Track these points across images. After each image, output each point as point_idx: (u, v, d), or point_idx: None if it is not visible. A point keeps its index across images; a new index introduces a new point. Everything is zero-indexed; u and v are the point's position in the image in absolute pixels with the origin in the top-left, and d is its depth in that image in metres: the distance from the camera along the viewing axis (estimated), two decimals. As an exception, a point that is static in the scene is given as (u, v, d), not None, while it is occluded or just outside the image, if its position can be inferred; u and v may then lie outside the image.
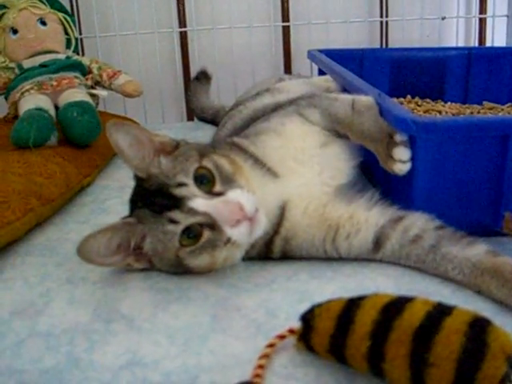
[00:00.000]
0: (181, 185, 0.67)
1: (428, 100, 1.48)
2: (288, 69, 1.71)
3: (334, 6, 1.61)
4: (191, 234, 0.67)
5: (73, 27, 1.46)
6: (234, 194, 0.68)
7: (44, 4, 1.42)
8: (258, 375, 0.51)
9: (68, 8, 1.56)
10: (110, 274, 0.72)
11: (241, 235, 0.67)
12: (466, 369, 0.45)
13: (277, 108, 0.90)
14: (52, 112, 1.18)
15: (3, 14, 1.39)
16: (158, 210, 0.68)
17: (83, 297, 0.68)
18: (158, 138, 0.73)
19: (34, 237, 0.86)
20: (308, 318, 0.54)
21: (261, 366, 0.53)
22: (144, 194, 0.70)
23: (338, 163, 0.81)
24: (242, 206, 0.66)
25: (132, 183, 0.75)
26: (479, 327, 0.47)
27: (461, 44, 1.76)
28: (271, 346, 0.55)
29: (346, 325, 0.51)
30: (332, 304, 0.54)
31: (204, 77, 1.56)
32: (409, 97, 1.48)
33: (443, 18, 1.63)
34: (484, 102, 1.49)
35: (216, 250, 0.68)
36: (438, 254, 0.69)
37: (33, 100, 1.20)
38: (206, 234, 0.67)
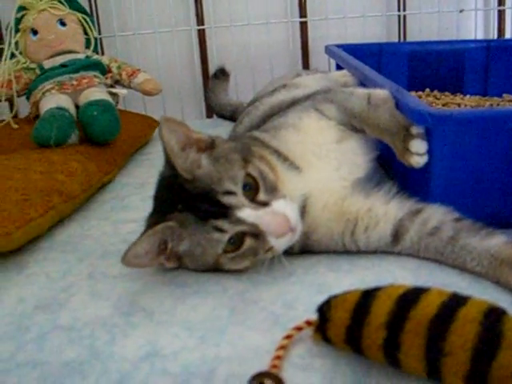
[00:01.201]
0: (229, 193, 0.67)
1: (447, 93, 1.47)
2: (306, 64, 1.71)
3: (351, 1, 1.60)
4: (232, 241, 0.67)
5: (92, 27, 1.48)
6: (279, 206, 0.68)
7: (63, 5, 1.44)
8: (275, 366, 0.52)
9: (87, 8, 1.59)
10: (130, 269, 0.73)
11: (284, 245, 0.69)
12: (481, 358, 0.45)
13: (293, 103, 0.91)
14: (72, 111, 1.20)
15: (23, 15, 1.41)
16: (203, 217, 0.67)
17: (104, 291, 0.69)
18: (194, 135, 0.72)
19: (56, 233, 0.88)
20: (324, 309, 0.54)
21: (278, 357, 0.53)
22: (186, 197, 0.69)
23: (354, 158, 0.81)
24: (288, 218, 0.67)
25: (151, 180, 0.76)
26: (494, 317, 0.47)
27: (480, 37, 1.74)
28: (289, 337, 0.56)
29: (361, 316, 0.51)
30: (348, 295, 0.54)
31: (222, 74, 1.57)
32: (427, 90, 1.48)
33: (461, 11, 1.61)
34: (504, 95, 1.47)
35: (257, 256, 0.69)
36: (456, 245, 0.69)
37: (53, 99, 1.22)
38: (248, 242, 0.68)
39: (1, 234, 0.73)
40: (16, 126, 1.30)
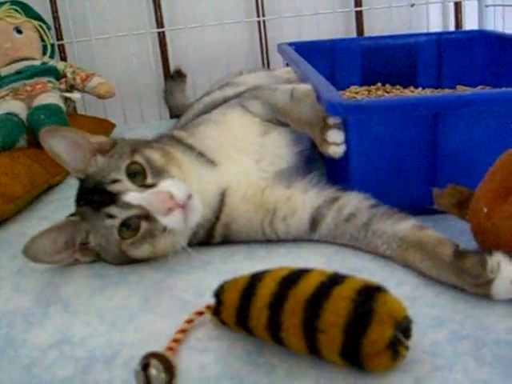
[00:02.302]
0: (114, 181, 0.71)
1: (398, 86, 1.49)
2: (265, 64, 1.73)
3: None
4: (130, 227, 0.70)
5: (48, 34, 1.51)
6: (164, 185, 0.71)
7: (19, 13, 1.47)
8: (171, 348, 0.55)
9: (48, 14, 1.61)
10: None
11: (175, 222, 0.70)
12: (352, 334, 0.48)
13: (224, 101, 0.93)
14: (24, 116, 1.22)
15: (-20, 25, 1.44)
16: (97, 207, 0.71)
17: (28, 285, 0.72)
18: (95, 139, 0.77)
19: (-5, 233, 0.90)
20: (219, 293, 0.57)
21: (176, 340, 0.56)
22: (84, 192, 0.75)
23: (277, 150, 0.84)
24: (173, 194, 0.69)
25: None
26: (367, 294, 0.49)
27: (438, 30, 1.77)
28: (189, 321, 0.59)
29: (248, 297, 0.54)
30: (238, 279, 0.57)
31: (179, 76, 1.60)
32: (378, 84, 1.50)
33: (412, 5, 1.64)
34: (457, 86, 1.50)
35: (155, 240, 0.71)
36: (369, 230, 0.72)
37: (6, 106, 1.24)
38: (144, 226, 0.70)
39: None
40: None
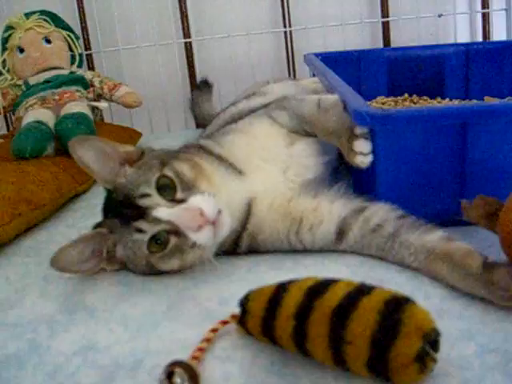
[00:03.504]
0: (144, 195, 0.71)
1: (425, 97, 1.48)
2: (291, 75, 1.74)
3: (331, 10, 1.63)
4: (159, 241, 0.70)
5: (76, 44, 1.53)
6: (194, 201, 0.70)
7: (48, 23, 1.50)
8: (195, 357, 0.54)
9: (77, 25, 1.64)
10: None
11: (205, 239, 0.70)
12: (379, 346, 0.47)
13: (251, 112, 0.93)
14: (51, 124, 1.24)
15: (10, 34, 1.47)
16: (126, 220, 0.71)
17: (54, 291, 0.72)
18: (123, 149, 0.77)
19: (23, 240, 0.91)
20: (244, 303, 0.57)
21: (201, 349, 0.55)
22: (113, 204, 0.74)
23: (304, 160, 0.83)
24: (203, 211, 0.69)
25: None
26: (395, 305, 0.48)
27: (465, 40, 1.76)
28: (214, 330, 0.58)
29: (274, 307, 0.53)
30: (264, 289, 0.56)
31: (205, 85, 1.61)
32: (406, 95, 1.49)
33: (440, 16, 1.63)
34: (485, 97, 1.48)
35: (184, 254, 0.71)
36: (396, 241, 0.71)
37: (34, 114, 1.27)
38: (173, 240, 0.70)
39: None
40: (1, 141, 1.34)
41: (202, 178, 0.75)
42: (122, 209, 0.72)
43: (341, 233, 0.75)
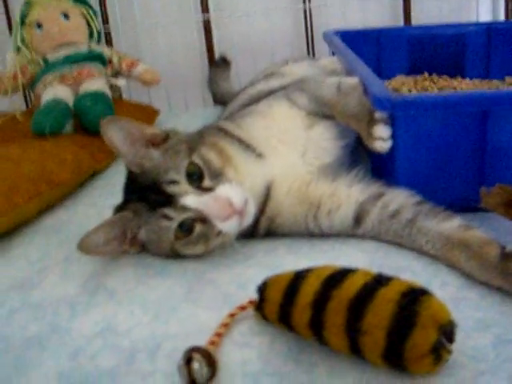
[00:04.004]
0: (173, 182, 0.71)
1: (445, 77, 1.46)
2: (310, 52, 1.71)
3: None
4: (184, 228, 0.71)
5: (94, 20, 1.52)
6: (223, 190, 0.71)
7: (67, -2, 1.49)
8: (213, 342, 0.55)
9: (96, 1, 1.63)
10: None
11: (231, 227, 0.70)
12: (395, 336, 0.47)
13: (270, 93, 0.93)
14: (70, 102, 1.25)
15: (28, 9, 1.47)
16: (153, 206, 0.71)
17: (75, 272, 0.74)
18: (150, 131, 0.77)
19: (43, 218, 0.93)
20: (262, 289, 0.57)
21: (219, 334, 0.57)
22: (138, 188, 0.74)
23: (323, 143, 0.83)
24: (231, 201, 0.69)
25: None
26: (412, 297, 0.49)
27: (487, 20, 1.72)
28: (232, 315, 0.59)
29: (292, 295, 0.54)
30: (282, 276, 0.57)
31: (223, 62, 1.59)
32: (426, 74, 1.47)
33: (463, -7, 1.59)
34: (506, 77, 1.45)
35: (209, 241, 0.72)
36: (414, 228, 0.71)
37: (53, 91, 1.27)
38: (198, 228, 0.71)
39: (-15, 221, 0.79)
40: (21, 119, 1.35)
41: (230, 166, 0.75)
42: (149, 193, 0.72)
43: (359, 218, 0.75)
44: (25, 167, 0.95)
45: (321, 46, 1.62)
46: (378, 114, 0.75)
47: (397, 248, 0.72)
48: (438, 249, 0.68)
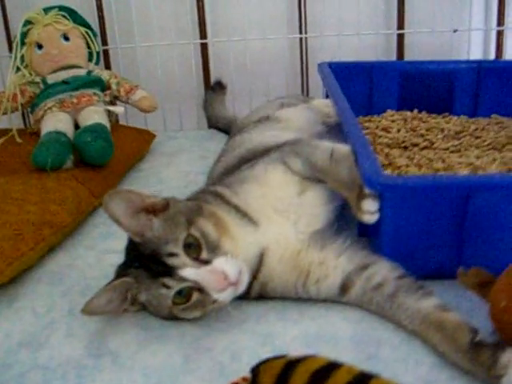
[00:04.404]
0: (172, 254, 0.75)
1: (434, 115, 1.52)
2: (304, 80, 1.76)
3: (348, 18, 1.64)
4: (182, 294, 0.76)
5: (94, 41, 1.55)
6: (219, 263, 0.76)
7: (67, 19, 1.52)
8: (210, 421, 0.61)
9: (94, 20, 1.66)
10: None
11: (226, 297, 0.76)
12: None
13: (266, 151, 0.98)
14: (70, 133, 1.29)
15: (29, 29, 1.49)
16: (153, 275, 0.76)
17: (79, 330, 0.79)
18: (149, 199, 0.81)
19: (45, 262, 0.97)
20: (255, 372, 0.63)
21: (215, 411, 0.63)
22: (139, 255, 0.78)
23: (314, 210, 0.88)
24: (227, 274, 0.75)
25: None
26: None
27: (478, 57, 1.77)
28: (227, 391, 0.65)
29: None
30: (274, 363, 0.62)
31: (219, 87, 1.64)
32: (415, 111, 1.53)
33: (455, 31, 1.64)
34: (493, 115, 1.52)
35: (205, 307, 0.77)
36: (394, 303, 0.77)
37: (53, 120, 1.31)
38: (195, 296, 0.76)
39: (-7, 272, 0.83)
40: (20, 141, 1.39)
41: (226, 237, 0.80)
42: (149, 263, 0.77)
43: (344, 288, 0.81)
44: (28, 210, 0.99)
45: (316, 75, 1.67)
46: (366, 189, 0.81)
47: (379, 319, 0.78)
48: (416, 326, 0.74)
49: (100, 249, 1.01)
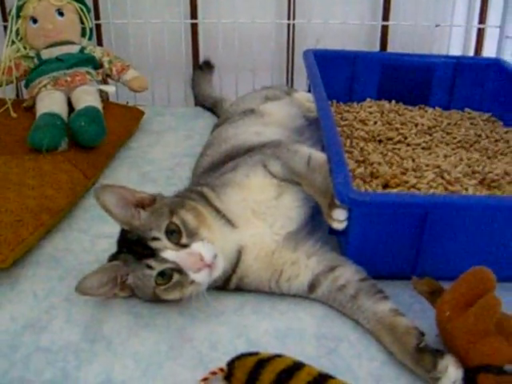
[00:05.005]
0: (155, 238, 0.86)
1: (410, 107, 1.60)
2: (289, 63, 1.82)
3: (337, 7, 1.70)
4: (164, 276, 0.86)
5: (88, 17, 1.58)
6: (196, 246, 0.86)
7: (62, -6, 1.54)
8: (190, 405, 0.73)
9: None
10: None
11: (202, 277, 0.86)
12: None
13: (249, 150, 1.06)
14: (64, 113, 1.35)
15: (24, 3, 1.52)
16: (138, 257, 0.87)
17: (76, 316, 0.89)
18: (139, 195, 0.91)
19: (43, 246, 1.06)
20: (231, 366, 0.74)
21: (195, 397, 0.74)
22: (128, 242, 0.89)
23: (289, 212, 0.98)
24: (202, 256, 0.85)
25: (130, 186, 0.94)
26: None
27: (457, 52, 1.85)
28: (205, 379, 0.76)
29: (253, 381, 0.71)
30: (248, 360, 0.73)
31: (207, 66, 1.69)
32: (393, 102, 1.62)
33: (437, 26, 1.70)
34: (466, 109, 1.61)
35: (183, 288, 0.87)
36: (355, 303, 0.88)
37: (48, 100, 1.36)
38: (175, 277, 0.86)
39: (-2, 259, 0.92)
40: (15, 115, 1.44)
41: (204, 227, 0.90)
42: (136, 247, 0.88)
43: (312, 286, 0.92)
44: (27, 195, 1.07)
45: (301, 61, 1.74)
46: (337, 201, 0.90)
47: (340, 316, 0.90)
48: (371, 326, 0.86)
49: (93, 232, 1.10)
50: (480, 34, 1.79)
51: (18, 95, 1.58)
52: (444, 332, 0.81)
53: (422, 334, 0.80)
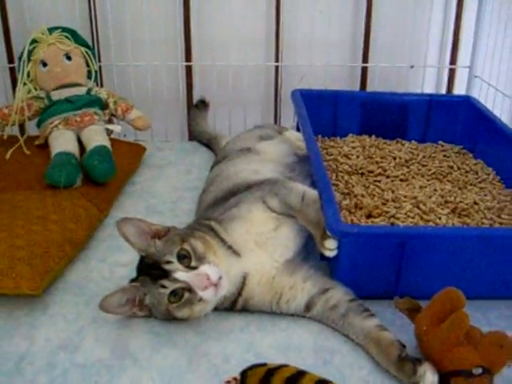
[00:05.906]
0: (168, 262, 1.00)
1: (389, 142, 1.76)
2: (278, 102, 1.99)
3: (318, 51, 1.87)
4: (176, 295, 1.00)
5: (93, 60, 1.72)
6: (203, 268, 1.00)
7: (69, 40, 1.68)
8: (210, 410, 0.86)
9: (89, 38, 1.82)
10: (121, 318, 1.05)
11: (208, 295, 0.99)
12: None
13: (249, 187, 1.21)
14: (76, 152, 1.49)
15: (34, 47, 1.65)
16: (154, 278, 1.01)
17: (104, 336, 1.01)
18: (154, 227, 1.06)
19: (67, 274, 1.18)
20: (244, 375, 0.87)
21: (213, 403, 0.87)
22: (145, 266, 1.04)
23: (286, 242, 1.12)
24: (209, 276, 0.99)
25: (139, 216, 1.09)
26: (339, 399, 0.80)
27: (431, 91, 2.03)
28: (221, 388, 0.89)
29: (264, 387, 0.84)
30: (258, 369, 0.87)
31: (202, 104, 1.85)
32: (373, 137, 1.77)
33: (412, 67, 1.89)
34: (440, 142, 1.78)
35: (193, 305, 1.00)
36: (345, 321, 1.02)
37: (62, 139, 1.50)
38: (186, 295, 1.00)
39: (31, 287, 1.04)
40: (28, 152, 1.57)
41: (210, 252, 1.04)
42: (152, 270, 1.02)
43: (308, 307, 1.06)
44: (50, 229, 1.19)
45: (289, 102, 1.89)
46: (329, 232, 1.05)
47: (333, 332, 1.04)
48: (360, 340, 1.00)
49: (111, 261, 1.23)
50: (451, 73, 1.97)
51: (21, 132, 1.71)
52: (422, 343, 0.95)
53: (403, 346, 0.95)
